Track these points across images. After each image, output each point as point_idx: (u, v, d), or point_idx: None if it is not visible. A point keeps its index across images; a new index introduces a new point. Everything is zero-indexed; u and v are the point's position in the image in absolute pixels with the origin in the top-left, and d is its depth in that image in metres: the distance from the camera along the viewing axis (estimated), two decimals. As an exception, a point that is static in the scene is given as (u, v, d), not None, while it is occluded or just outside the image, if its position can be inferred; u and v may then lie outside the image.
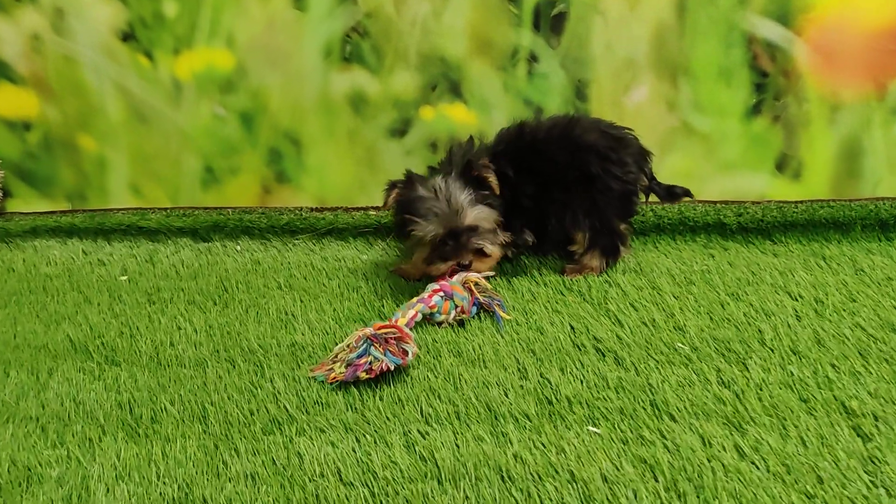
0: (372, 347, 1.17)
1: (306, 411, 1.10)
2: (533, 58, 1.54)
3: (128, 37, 1.58)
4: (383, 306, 1.39)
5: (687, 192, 1.55)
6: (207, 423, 1.09)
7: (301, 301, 1.41)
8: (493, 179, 1.37)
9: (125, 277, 1.54)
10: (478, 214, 1.38)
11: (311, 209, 1.68)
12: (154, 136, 1.65)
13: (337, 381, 1.16)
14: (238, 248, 1.67)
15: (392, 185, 1.39)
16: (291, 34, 1.54)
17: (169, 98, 1.62)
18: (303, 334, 1.30)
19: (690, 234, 1.62)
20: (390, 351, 1.17)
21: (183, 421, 1.09)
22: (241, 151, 1.65)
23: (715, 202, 1.61)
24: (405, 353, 1.17)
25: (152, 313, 1.39)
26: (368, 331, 1.20)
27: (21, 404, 1.13)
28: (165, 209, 1.71)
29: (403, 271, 1.50)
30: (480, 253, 1.39)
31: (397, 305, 1.38)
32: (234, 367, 1.22)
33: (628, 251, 1.53)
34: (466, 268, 1.38)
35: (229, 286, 1.48)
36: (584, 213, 1.44)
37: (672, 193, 1.54)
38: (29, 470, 1.00)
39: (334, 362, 1.20)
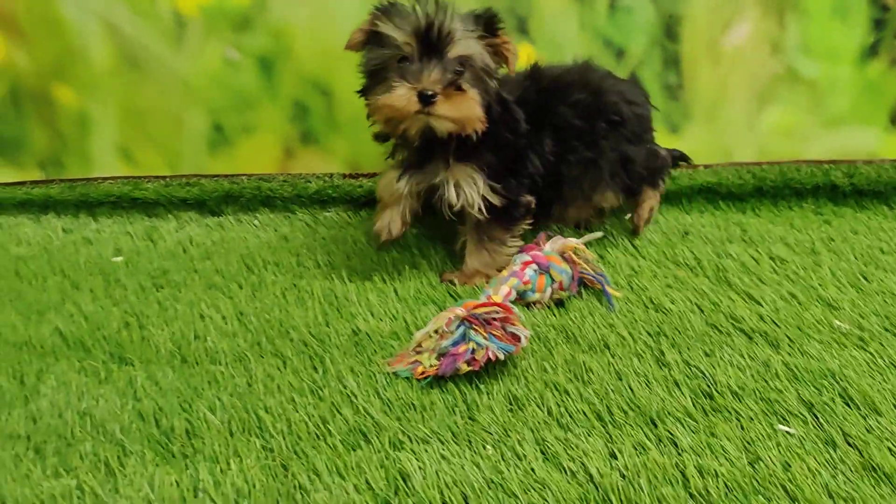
0: (471, 331, 0.90)
1: (396, 417, 0.83)
2: (616, -12, 1.29)
3: (119, -41, 1.28)
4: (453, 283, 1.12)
5: (684, 157, 1.36)
6: (266, 435, 0.80)
7: (350, 281, 1.13)
8: (510, 48, 1.05)
9: (120, 258, 1.24)
10: (470, 45, 1.02)
11: (344, 175, 1.39)
12: (149, 86, 1.34)
13: (428, 376, 0.89)
14: (256, 222, 1.37)
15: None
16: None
17: (169, 38, 1.31)
18: (364, 320, 1.02)
19: (796, 199, 1.39)
20: (495, 335, 0.90)
21: (231, 434, 0.81)
22: (257, 105, 1.35)
23: (821, 162, 1.38)
24: (515, 337, 0.91)
25: (162, 300, 1.09)
26: (460, 311, 0.93)
27: (3, 418, 0.83)
28: (164, 178, 1.39)
29: (450, 278, 1.16)
30: (455, 87, 1.01)
31: (471, 283, 1.13)
32: (286, 362, 0.93)
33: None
34: (429, 100, 0.98)
35: (254, 266, 1.19)
36: (612, 172, 1.20)
37: (671, 157, 1.32)
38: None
39: (418, 353, 0.93)
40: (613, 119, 1.18)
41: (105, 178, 1.40)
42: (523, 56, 1.33)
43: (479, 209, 1.09)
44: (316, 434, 0.80)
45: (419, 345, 0.94)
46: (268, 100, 1.35)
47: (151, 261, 1.22)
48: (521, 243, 1.14)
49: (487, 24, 1.05)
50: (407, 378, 0.89)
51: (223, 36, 1.32)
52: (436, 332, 0.93)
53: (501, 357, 0.88)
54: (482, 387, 0.87)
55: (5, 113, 1.37)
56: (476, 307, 0.93)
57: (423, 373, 0.89)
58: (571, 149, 1.17)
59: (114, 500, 0.71)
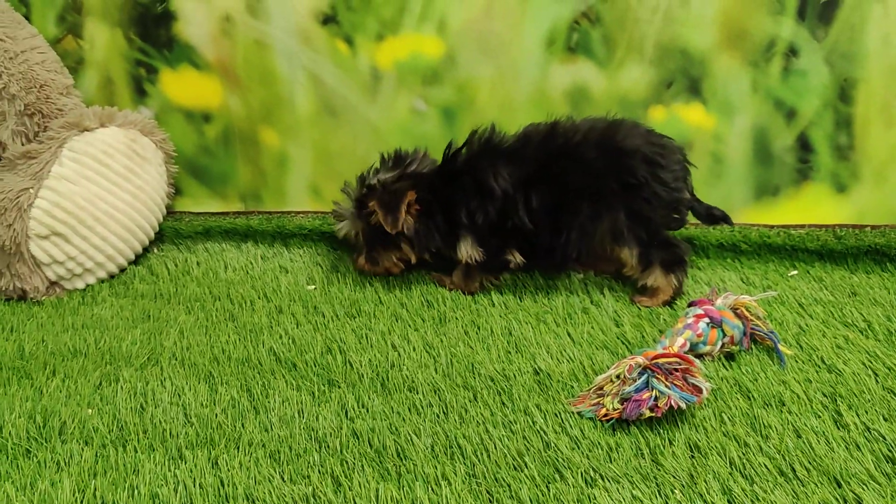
0: (654, 379, 0.96)
1: (585, 454, 0.90)
2: (792, 51, 1.32)
3: (328, 20, 1.42)
4: (624, 332, 1.18)
5: (726, 218, 1.34)
6: (468, 461, 0.89)
7: (526, 322, 1.22)
8: (381, 218, 1.26)
9: (313, 287, 1.37)
10: (348, 232, 1.35)
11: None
12: (342, 131, 1.49)
13: (611, 418, 0.96)
14: (431, 259, 1.49)
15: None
16: (511, 20, 1.37)
17: (365, 89, 1.46)
18: (544, 360, 1.10)
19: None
20: (676, 385, 0.96)
21: (436, 457, 0.90)
22: (436, 152, 1.47)
23: None
24: (697, 389, 0.96)
25: (357, 328, 1.21)
26: (640, 359, 0.99)
27: (239, 427, 0.96)
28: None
29: (438, 277, 1.39)
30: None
31: (638, 331, 1.18)
32: (477, 396, 1.02)
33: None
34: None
35: (434, 301, 1.30)
36: (626, 227, 1.24)
37: (711, 215, 1.33)
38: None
39: (600, 395, 0.99)
40: (629, 181, 1.23)
41: (298, 212, 1.55)
42: (694, 117, 1.39)
43: (469, 259, 1.30)
44: (514, 465, 0.88)
45: (600, 388, 1.01)
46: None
47: (341, 290, 1.35)
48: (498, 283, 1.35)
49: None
50: (591, 418, 0.96)
51: (413, 89, 1.45)
52: (617, 377, 1.00)
53: (683, 406, 0.93)
54: (663, 433, 0.93)
55: (217, 150, 1.55)
56: (657, 357, 0.99)
57: (606, 415, 0.96)
58: (573, 207, 1.25)
59: (346, 508, 0.81)
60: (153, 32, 1.49)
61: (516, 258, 1.30)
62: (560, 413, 0.98)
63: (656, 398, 0.94)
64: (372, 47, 1.43)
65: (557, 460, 0.89)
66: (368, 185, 1.30)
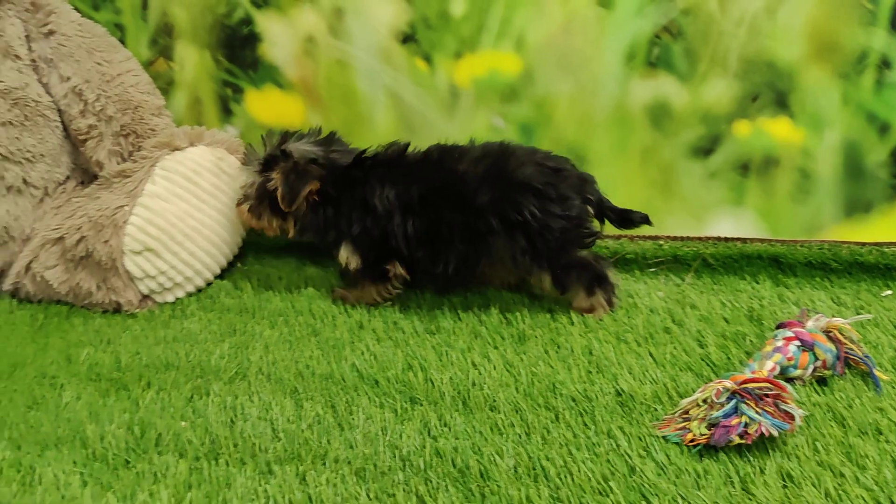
0: (743, 405, 0.94)
1: (672, 481, 0.88)
2: (885, 63, 1.28)
3: (407, 39, 1.45)
4: (709, 353, 1.16)
5: (645, 219, 1.30)
6: (552, 483, 0.89)
7: (606, 342, 1.20)
8: (280, 191, 1.29)
9: (391, 302, 1.39)
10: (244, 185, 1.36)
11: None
12: (420, 148, 1.51)
13: (698, 444, 0.94)
14: (508, 275, 1.49)
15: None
16: (591, 35, 1.36)
17: (443, 106, 1.47)
18: (626, 381, 1.09)
19: None
20: (767, 411, 0.93)
21: (519, 478, 0.90)
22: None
23: None
24: (789, 415, 0.93)
25: (436, 345, 1.22)
26: (728, 383, 0.97)
27: (325, 443, 0.98)
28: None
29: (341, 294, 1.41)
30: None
31: (724, 352, 1.16)
32: (558, 416, 1.02)
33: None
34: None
35: (513, 319, 1.29)
36: (525, 256, 1.25)
37: (626, 219, 1.30)
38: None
39: (686, 419, 0.98)
40: (515, 218, 1.22)
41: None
42: (781, 131, 1.35)
43: (347, 264, 1.34)
44: (599, 490, 0.87)
45: (686, 412, 0.99)
46: (524, 163, 1.47)
47: (420, 305, 1.36)
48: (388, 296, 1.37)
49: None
50: (677, 443, 0.95)
51: (491, 106, 1.45)
52: (704, 401, 0.98)
53: (775, 433, 0.91)
54: (753, 461, 0.91)
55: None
56: (746, 381, 0.97)
57: (692, 440, 0.94)
58: (448, 239, 1.26)
59: (432, 529, 0.82)
60: (239, 54, 1.54)
61: (397, 269, 1.32)
62: (644, 437, 0.96)
63: (746, 424, 0.92)
64: (450, 65, 1.44)
65: (643, 486, 0.87)
66: (283, 149, 1.32)
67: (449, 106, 1.47)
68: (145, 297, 1.42)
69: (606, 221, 1.30)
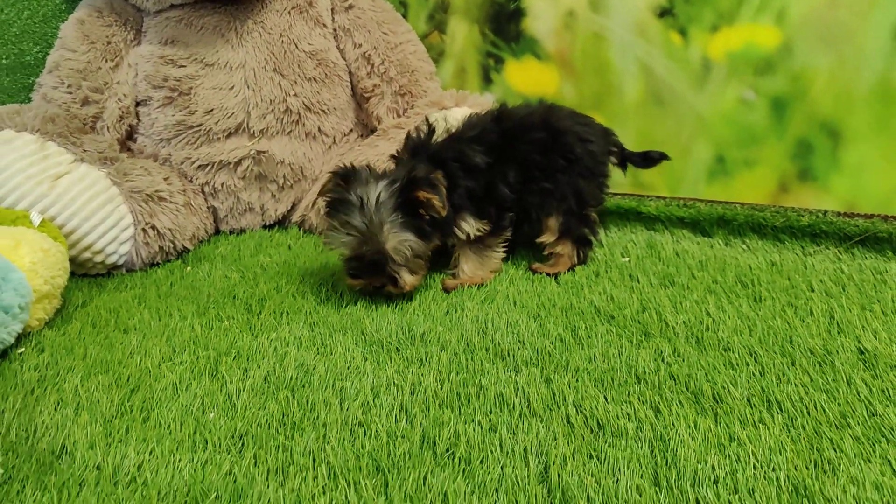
0: None
1: (915, 429, 0.88)
2: None
3: (665, 12, 1.52)
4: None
5: (664, 156, 1.50)
6: (786, 414, 0.92)
7: (849, 309, 1.19)
8: (437, 202, 1.22)
9: (627, 259, 1.46)
10: (400, 243, 1.24)
11: (839, 213, 1.45)
12: (667, 120, 1.57)
13: (949, 401, 0.92)
14: (745, 246, 1.51)
15: (333, 175, 1.29)
16: (858, 9, 1.35)
17: (694, 79, 1.52)
18: (870, 342, 1.08)
19: None
20: None
21: (752, 405, 0.94)
22: (762, 142, 1.49)
23: None
24: None
25: (671, 295, 1.28)
26: None
27: (566, 356, 1.08)
28: (664, 198, 1.61)
29: (451, 286, 1.37)
30: (392, 281, 1.27)
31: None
32: (795, 362, 1.04)
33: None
34: (379, 290, 1.29)
35: (749, 282, 1.32)
36: (561, 197, 1.37)
37: (648, 158, 1.50)
38: (605, 422, 0.92)
39: (935, 379, 0.97)
40: (568, 156, 1.37)
41: (616, 194, 1.66)
42: None
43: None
44: (836, 424, 0.90)
45: (936, 372, 0.98)
46: (774, 138, 1.48)
47: (654, 264, 1.43)
48: (504, 249, 1.40)
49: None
50: (925, 400, 0.94)
51: (744, 78, 1.48)
52: (957, 362, 0.96)
53: None
54: None
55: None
56: None
57: (942, 397, 0.93)
58: (532, 179, 1.37)
59: (665, 429, 0.89)
60: (504, 27, 1.70)
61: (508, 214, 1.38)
62: (888, 390, 0.96)
63: None
64: (705, 38, 1.49)
65: (883, 426, 0.88)
66: (413, 175, 1.25)
67: (700, 79, 1.52)
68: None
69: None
